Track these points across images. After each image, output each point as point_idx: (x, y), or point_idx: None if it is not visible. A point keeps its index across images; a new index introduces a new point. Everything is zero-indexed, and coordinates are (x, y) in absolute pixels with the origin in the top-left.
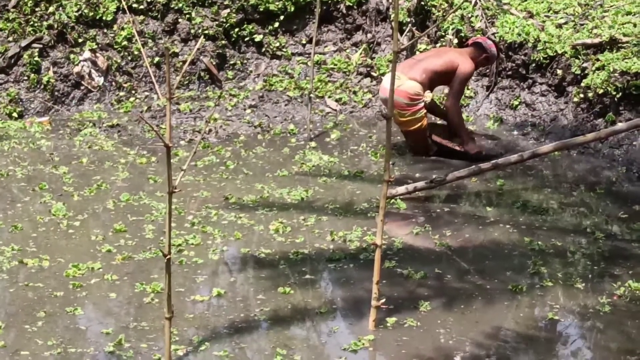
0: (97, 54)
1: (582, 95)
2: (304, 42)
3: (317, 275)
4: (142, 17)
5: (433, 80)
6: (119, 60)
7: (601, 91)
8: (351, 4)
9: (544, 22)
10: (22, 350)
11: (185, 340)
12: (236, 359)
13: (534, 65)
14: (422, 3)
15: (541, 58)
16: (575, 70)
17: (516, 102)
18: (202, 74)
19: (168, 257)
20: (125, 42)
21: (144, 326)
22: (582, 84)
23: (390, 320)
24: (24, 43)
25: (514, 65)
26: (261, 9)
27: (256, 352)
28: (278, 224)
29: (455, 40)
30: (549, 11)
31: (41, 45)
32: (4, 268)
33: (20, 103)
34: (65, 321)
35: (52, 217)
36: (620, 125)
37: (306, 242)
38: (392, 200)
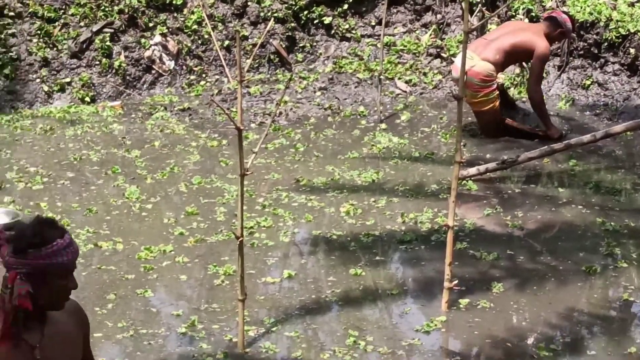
0: (168, 38)
1: None
2: (373, 23)
3: (388, 256)
4: (211, 0)
5: (506, 60)
6: (189, 44)
7: None
8: None
9: (615, 0)
10: (95, 333)
11: (257, 321)
12: (308, 339)
13: (606, 44)
14: None
15: (613, 37)
16: None
17: (588, 82)
18: (272, 56)
19: (240, 239)
20: (195, 26)
21: (215, 308)
22: None
23: (463, 301)
24: (95, 28)
25: (585, 44)
26: None
27: (328, 333)
28: (349, 206)
29: (526, 20)
30: None
31: (112, 30)
32: (80, 252)
33: (93, 87)
34: (136, 303)
35: (125, 200)
36: None
37: (377, 223)
38: (464, 182)
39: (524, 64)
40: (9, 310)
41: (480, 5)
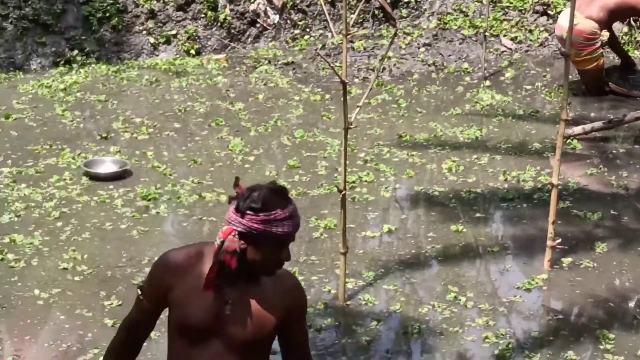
0: None
1: None
2: None
3: (489, 214)
4: None
5: (610, 18)
6: None
7: None
8: None
9: None
10: None
11: (356, 274)
12: (406, 294)
13: None
14: None
15: None
16: None
17: None
18: (376, 12)
19: (343, 192)
20: None
21: (314, 260)
22: None
23: (566, 260)
24: None
25: None
26: None
27: (427, 288)
28: (451, 163)
29: None
30: None
31: None
32: (184, 202)
33: (198, 40)
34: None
35: (229, 152)
36: None
37: (479, 181)
38: (568, 140)
39: (632, 22)
40: (215, 262)
41: None
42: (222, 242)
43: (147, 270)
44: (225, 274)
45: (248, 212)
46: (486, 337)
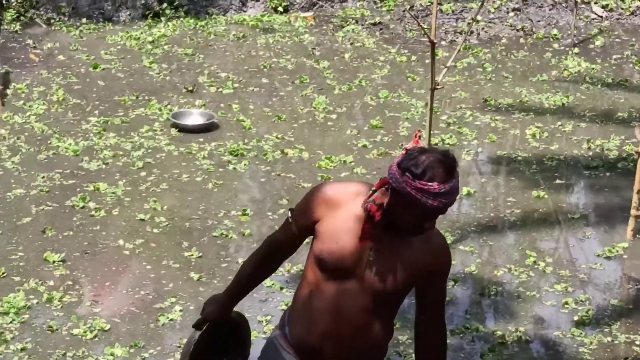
0: None
1: None
2: None
3: (571, 181)
4: None
5: None
6: None
7: None
8: None
9: None
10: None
11: None
12: (483, 256)
13: None
14: None
15: None
16: None
17: None
18: None
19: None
20: None
21: None
22: None
23: None
24: None
25: None
26: None
27: (504, 251)
28: (534, 129)
29: None
30: None
31: None
32: (268, 159)
33: None
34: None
35: (312, 109)
36: None
37: (562, 148)
38: None
39: None
40: (365, 213)
41: None
42: (374, 192)
43: (226, 222)
44: (377, 224)
45: (407, 173)
46: (565, 303)
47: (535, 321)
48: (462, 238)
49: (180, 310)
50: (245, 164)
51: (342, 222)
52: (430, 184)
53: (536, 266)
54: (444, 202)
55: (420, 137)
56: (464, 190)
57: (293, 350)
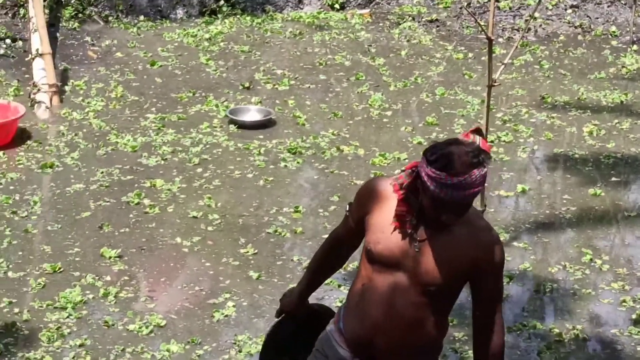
0: None
1: None
2: None
3: (629, 179)
4: None
5: None
6: None
7: None
8: None
9: None
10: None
11: None
12: (537, 252)
13: None
14: None
15: None
16: None
17: None
18: None
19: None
20: None
21: None
22: None
23: None
24: None
25: None
26: None
27: (559, 249)
28: (592, 126)
29: None
30: None
31: None
32: (325, 156)
33: None
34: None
35: (368, 106)
36: None
37: (620, 146)
38: None
39: None
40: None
41: None
42: (402, 171)
43: (281, 219)
44: (421, 214)
45: (424, 157)
46: (623, 301)
47: (592, 319)
48: (517, 235)
49: (234, 306)
50: (299, 162)
51: (388, 214)
52: (439, 172)
53: (592, 264)
54: (450, 194)
55: (476, 131)
56: (518, 187)
57: (347, 345)
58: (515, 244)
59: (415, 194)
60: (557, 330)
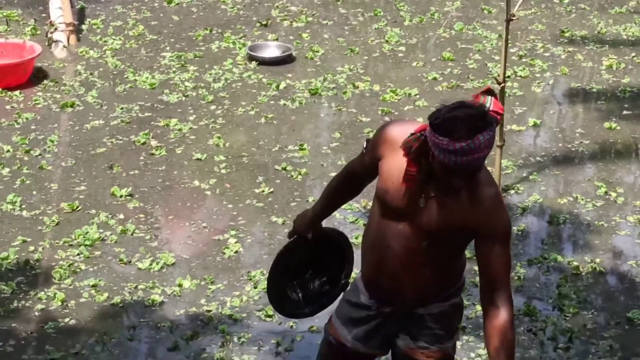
0: None
1: None
2: None
3: None
4: None
5: None
6: None
7: None
8: None
9: None
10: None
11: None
12: (550, 185)
13: None
14: None
15: None
16: None
17: None
18: None
19: (502, 85)
20: None
21: None
22: None
23: None
24: None
25: None
26: None
27: (575, 182)
28: (611, 60)
29: None
30: None
31: None
32: (345, 94)
33: None
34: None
35: (385, 42)
36: None
37: (636, 79)
38: None
39: None
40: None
41: None
42: (412, 134)
43: (292, 156)
44: (431, 174)
45: (428, 122)
46: None
47: (609, 250)
48: (529, 168)
49: (244, 243)
50: (315, 100)
51: (399, 163)
52: (441, 138)
53: (607, 196)
54: (453, 160)
55: (487, 91)
56: (531, 121)
57: (365, 289)
58: (530, 177)
59: (426, 156)
60: (575, 263)
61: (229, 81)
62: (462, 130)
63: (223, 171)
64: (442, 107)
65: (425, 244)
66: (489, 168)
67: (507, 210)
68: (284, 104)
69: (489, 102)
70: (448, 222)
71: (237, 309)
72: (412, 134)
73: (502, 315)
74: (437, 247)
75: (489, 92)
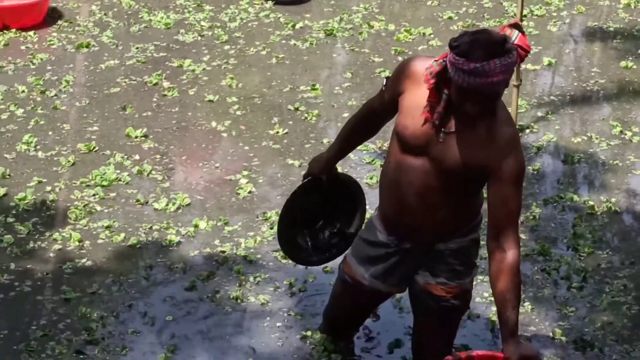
0: None
1: None
2: None
3: None
4: None
5: None
6: None
7: None
8: None
9: None
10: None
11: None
12: (565, 124)
13: None
14: None
15: None
16: None
17: None
18: None
19: (518, 23)
20: None
21: None
22: None
23: None
24: None
25: None
26: None
27: (590, 122)
28: None
29: None
30: None
31: None
32: (361, 34)
33: None
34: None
35: None
36: None
37: None
38: None
39: None
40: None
41: None
42: (435, 61)
43: (305, 97)
44: (450, 106)
45: (449, 44)
46: None
47: (626, 189)
48: (544, 106)
49: (251, 183)
50: (328, 41)
51: (420, 99)
52: (458, 58)
53: (622, 135)
54: (467, 81)
55: (514, 25)
56: (545, 60)
57: (383, 227)
58: (543, 115)
59: (447, 85)
60: (591, 203)
61: (244, 20)
62: (479, 52)
63: (238, 112)
64: (465, 31)
65: (448, 178)
66: None
67: (522, 152)
68: (295, 44)
69: (515, 36)
70: (465, 159)
71: (251, 250)
72: (435, 60)
73: (509, 258)
74: (455, 184)
75: (516, 26)
